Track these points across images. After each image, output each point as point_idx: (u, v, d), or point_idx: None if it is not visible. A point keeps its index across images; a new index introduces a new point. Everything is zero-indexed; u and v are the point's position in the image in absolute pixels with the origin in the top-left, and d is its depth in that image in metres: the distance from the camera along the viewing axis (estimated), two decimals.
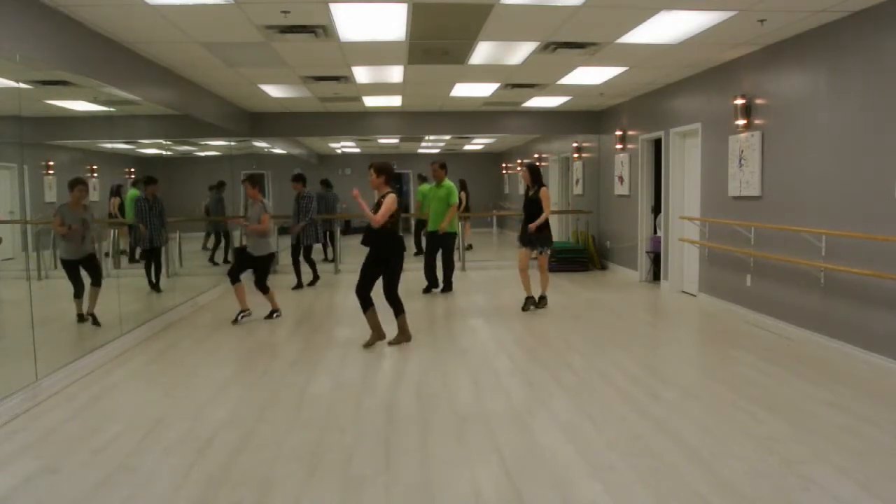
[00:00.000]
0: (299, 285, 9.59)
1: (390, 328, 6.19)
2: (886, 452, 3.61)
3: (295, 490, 3.24)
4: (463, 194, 16.08)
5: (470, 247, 15.09)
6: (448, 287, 9.12)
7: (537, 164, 7.98)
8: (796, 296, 6.21)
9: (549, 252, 7.64)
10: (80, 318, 6.10)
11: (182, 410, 4.43)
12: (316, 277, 9.89)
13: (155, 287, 7.86)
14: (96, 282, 6.13)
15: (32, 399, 4.51)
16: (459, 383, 4.99)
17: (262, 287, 7.25)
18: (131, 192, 8.24)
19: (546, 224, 7.51)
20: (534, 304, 7.68)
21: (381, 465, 3.53)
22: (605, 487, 3.21)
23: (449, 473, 3.42)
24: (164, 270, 8.07)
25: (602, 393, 4.67)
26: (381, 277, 5.98)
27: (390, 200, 5.81)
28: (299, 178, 9.70)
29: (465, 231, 15.97)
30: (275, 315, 7.37)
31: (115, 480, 3.37)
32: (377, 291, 5.97)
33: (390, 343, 6.07)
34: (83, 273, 6.07)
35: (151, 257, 7.81)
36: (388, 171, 5.97)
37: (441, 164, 8.98)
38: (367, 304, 5.97)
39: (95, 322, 6.11)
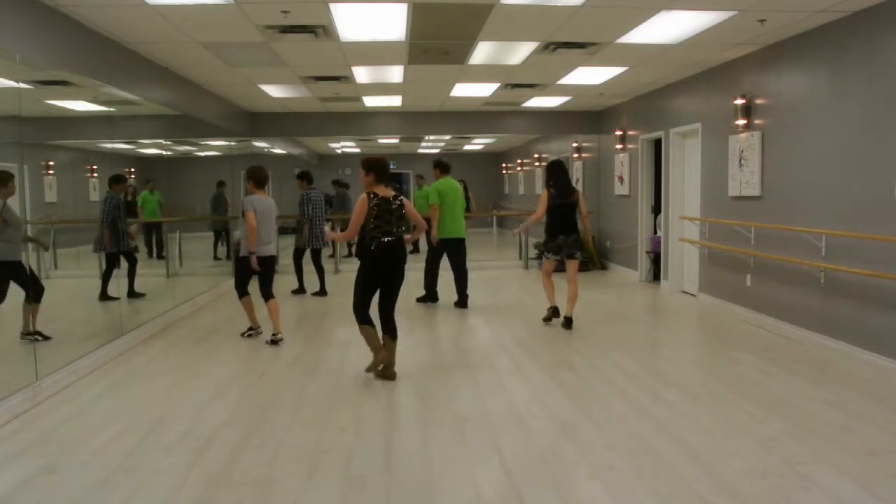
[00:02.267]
0: (300, 290, 9.15)
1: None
2: (886, 452, 3.61)
3: (295, 490, 3.24)
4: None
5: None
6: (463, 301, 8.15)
7: (558, 159, 7.12)
8: (796, 296, 6.21)
9: (551, 260, 6.90)
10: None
11: (182, 410, 4.43)
12: (322, 290, 9.08)
13: (132, 293, 7.19)
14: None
15: (32, 399, 4.51)
16: (459, 383, 4.99)
17: (244, 291, 6.35)
18: (143, 194, 8.22)
19: (555, 228, 6.70)
20: (557, 315, 6.87)
21: (381, 465, 3.53)
22: (605, 487, 3.21)
23: (449, 473, 3.42)
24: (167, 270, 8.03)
25: (602, 393, 4.67)
26: (384, 290, 5.06)
27: (358, 203, 4.88)
28: (301, 177, 8.98)
29: None
30: (248, 333, 6.47)
31: (115, 480, 3.36)
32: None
33: (370, 370, 5.14)
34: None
35: (121, 261, 7.04)
36: (376, 168, 4.95)
37: (435, 163, 8.21)
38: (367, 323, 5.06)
39: (39, 337, 5.23)
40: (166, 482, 3.34)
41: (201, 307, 8.25)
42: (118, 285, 6.66)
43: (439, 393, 4.77)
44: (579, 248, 6.86)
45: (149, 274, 7.95)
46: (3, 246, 5.10)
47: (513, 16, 5.57)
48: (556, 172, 6.77)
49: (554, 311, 6.92)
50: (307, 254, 9.14)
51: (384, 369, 5.05)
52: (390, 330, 5.07)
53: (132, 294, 7.16)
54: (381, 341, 5.05)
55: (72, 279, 6.61)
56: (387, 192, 4.98)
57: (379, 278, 5.00)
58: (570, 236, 6.74)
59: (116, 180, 6.99)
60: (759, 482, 3.24)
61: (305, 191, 8.90)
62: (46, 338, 5.35)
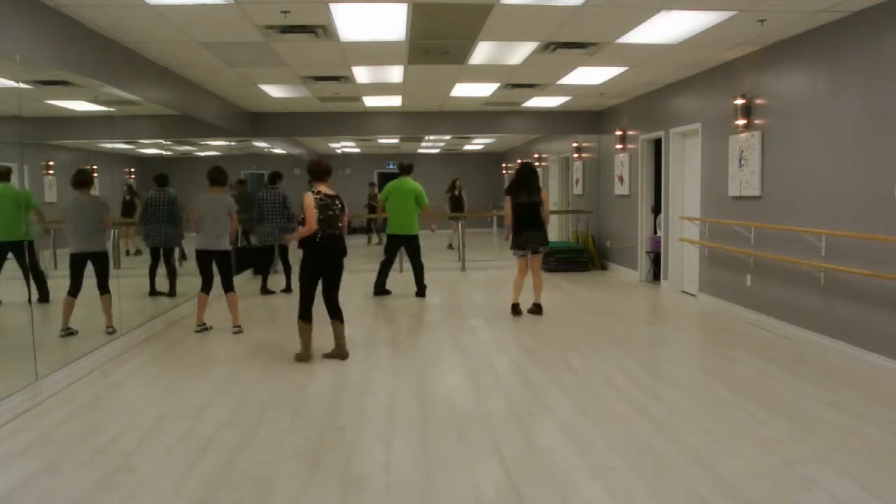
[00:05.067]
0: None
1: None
2: (886, 452, 3.61)
3: (295, 490, 3.24)
4: (450, 193, 16.12)
5: (450, 246, 15.05)
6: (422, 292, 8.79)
7: (525, 162, 7.74)
8: (796, 296, 6.21)
9: (519, 257, 7.42)
10: None
11: (182, 410, 4.43)
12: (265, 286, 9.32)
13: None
14: None
15: (32, 399, 4.51)
16: (459, 383, 4.99)
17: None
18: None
19: (520, 226, 7.31)
20: (518, 312, 7.40)
21: (381, 465, 3.53)
22: (605, 487, 3.21)
23: (449, 473, 3.42)
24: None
25: (602, 393, 4.67)
26: (321, 282, 5.61)
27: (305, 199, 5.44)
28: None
29: (454, 230, 16.01)
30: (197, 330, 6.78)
31: (115, 480, 3.37)
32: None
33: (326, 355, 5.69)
34: None
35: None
36: (311, 171, 5.57)
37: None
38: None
39: None
40: (166, 482, 3.34)
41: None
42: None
43: (439, 392, 4.77)
44: (541, 243, 7.34)
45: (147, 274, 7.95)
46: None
47: (513, 16, 5.57)
48: (522, 175, 7.39)
49: (514, 308, 7.47)
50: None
51: (337, 349, 5.66)
52: (338, 315, 5.67)
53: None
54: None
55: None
56: (329, 190, 5.54)
57: (322, 268, 5.56)
58: (535, 232, 7.28)
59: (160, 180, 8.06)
60: (759, 482, 3.24)
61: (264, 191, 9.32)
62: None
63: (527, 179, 7.34)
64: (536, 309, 7.47)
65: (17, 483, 3.36)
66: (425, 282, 8.83)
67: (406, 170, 8.97)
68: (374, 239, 17.19)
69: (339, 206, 5.55)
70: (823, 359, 5.51)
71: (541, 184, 7.49)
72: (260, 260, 9.40)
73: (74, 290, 5.90)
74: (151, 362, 5.73)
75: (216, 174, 6.79)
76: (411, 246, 8.75)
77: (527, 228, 7.29)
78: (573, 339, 6.29)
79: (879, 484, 3.22)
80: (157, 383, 5.17)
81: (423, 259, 8.86)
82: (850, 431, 3.89)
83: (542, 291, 7.53)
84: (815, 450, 3.62)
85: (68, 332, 5.80)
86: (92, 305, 6.05)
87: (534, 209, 7.25)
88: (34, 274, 5.50)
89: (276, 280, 9.61)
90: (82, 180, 6.08)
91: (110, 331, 6.07)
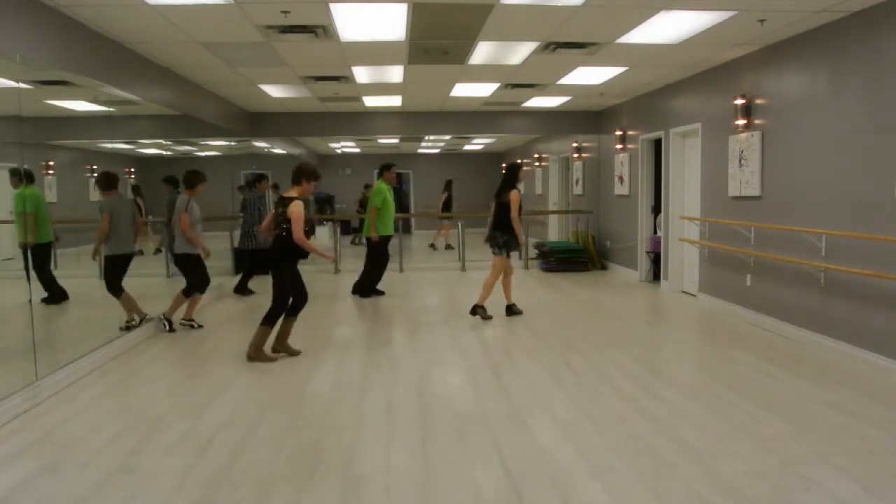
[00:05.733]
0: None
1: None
2: (886, 452, 3.61)
3: (295, 490, 3.24)
4: (445, 194, 16.13)
5: (449, 246, 15.06)
6: (359, 290, 8.83)
7: (510, 162, 7.74)
8: (796, 296, 6.21)
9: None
10: None
11: (182, 410, 4.43)
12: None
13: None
14: None
15: (32, 399, 4.51)
16: (459, 383, 4.99)
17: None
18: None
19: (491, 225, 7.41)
20: (516, 312, 7.43)
21: (381, 465, 3.53)
22: (605, 487, 3.21)
23: (449, 473, 3.42)
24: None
25: (602, 393, 4.67)
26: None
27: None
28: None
29: (444, 231, 16.00)
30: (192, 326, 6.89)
31: (115, 480, 3.37)
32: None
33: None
34: None
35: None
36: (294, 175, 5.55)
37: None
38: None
39: None
40: (166, 482, 3.34)
41: (201, 307, 8.23)
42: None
43: (439, 392, 4.77)
44: (498, 245, 7.23)
45: (148, 273, 7.95)
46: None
47: (513, 16, 5.57)
48: (503, 175, 7.38)
49: (508, 309, 7.46)
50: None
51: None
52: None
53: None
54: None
55: (73, 279, 6.62)
56: (293, 193, 5.50)
57: None
58: (494, 233, 7.27)
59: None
60: (760, 482, 3.24)
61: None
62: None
63: (504, 181, 7.31)
64: (473, 310, 7.25)
65: (17, 483, 3.36)
66: (362, 286, 8.74)
67: (379, 171, 8.81)
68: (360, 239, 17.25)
69: (281, 207, 5.42)
70: (823, 359, 5.51)
71: (525, 184, 7.43)
72: (259, 261, 9.38)
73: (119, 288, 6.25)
74: (151, 362, 5.73)
75: (188, 177, 6.68)
76: (368, 247, 8.81)
77: (492, 228, 7.31)
78: (573, 339, 6.29)
79: (879, 484, 3.22)
80: (157, 383, 5.17)
81: (427, 261, 8.88)
82: (850, 431, 3.89)
83: (486, 295, 7.22)
84: (815, 450, 3.62)
85: (150, 318, 6.51)
86: (92, 305, 6.06)
87: (502, 210, 7.17)
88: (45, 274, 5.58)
89: None
90: (110, 182, 6.16)
91: (126, 326, 6.28)
